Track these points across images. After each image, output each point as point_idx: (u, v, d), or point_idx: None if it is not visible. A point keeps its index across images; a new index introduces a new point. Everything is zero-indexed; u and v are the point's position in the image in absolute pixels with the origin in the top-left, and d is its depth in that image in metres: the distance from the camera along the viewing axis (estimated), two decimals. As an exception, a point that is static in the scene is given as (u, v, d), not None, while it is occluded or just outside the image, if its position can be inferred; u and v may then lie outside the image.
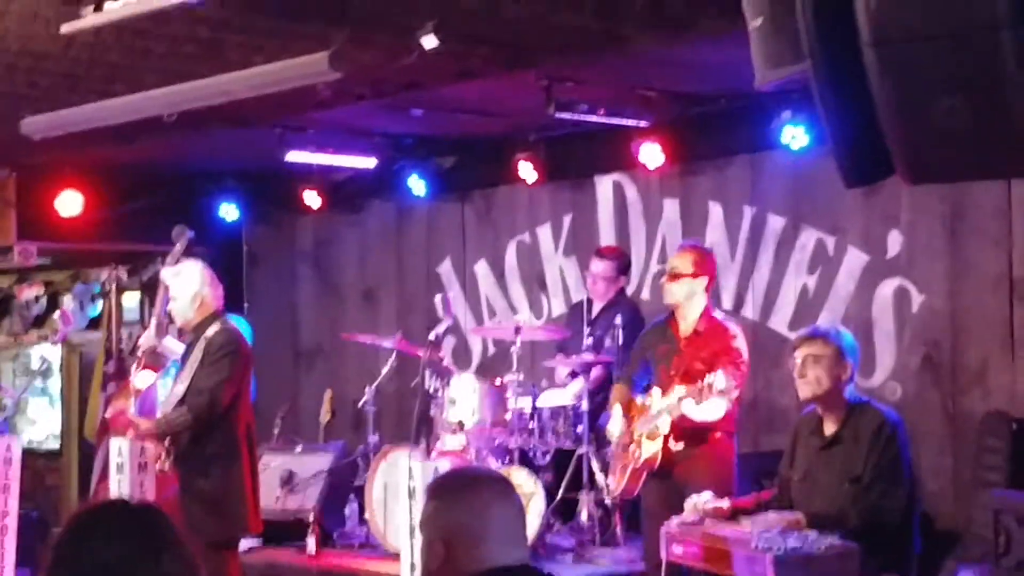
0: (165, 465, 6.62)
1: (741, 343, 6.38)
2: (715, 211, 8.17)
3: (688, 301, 6.44)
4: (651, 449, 6.38)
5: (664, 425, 6.34)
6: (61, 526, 3.00)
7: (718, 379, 6.00)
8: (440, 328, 7.89)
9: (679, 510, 5.99)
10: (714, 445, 6.34)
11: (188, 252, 7.33)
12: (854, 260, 7.53)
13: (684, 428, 6.29)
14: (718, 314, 6.57)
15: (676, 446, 6.33)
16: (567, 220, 9.02)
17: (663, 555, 5.63)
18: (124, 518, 2.96)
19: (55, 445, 12.43)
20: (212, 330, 6.73)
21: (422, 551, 3.06)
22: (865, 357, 7.33)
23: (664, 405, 6.32)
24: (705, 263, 6.52)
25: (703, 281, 6.45)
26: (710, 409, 6.20)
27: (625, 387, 6.66)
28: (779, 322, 7.76)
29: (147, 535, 2.92)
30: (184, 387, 6.66)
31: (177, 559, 2.92)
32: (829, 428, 5.52)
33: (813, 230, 7.72)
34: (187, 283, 6.81)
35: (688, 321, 6.46)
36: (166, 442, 6.61)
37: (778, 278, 7.86)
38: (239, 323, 9.03)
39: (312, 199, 10.09)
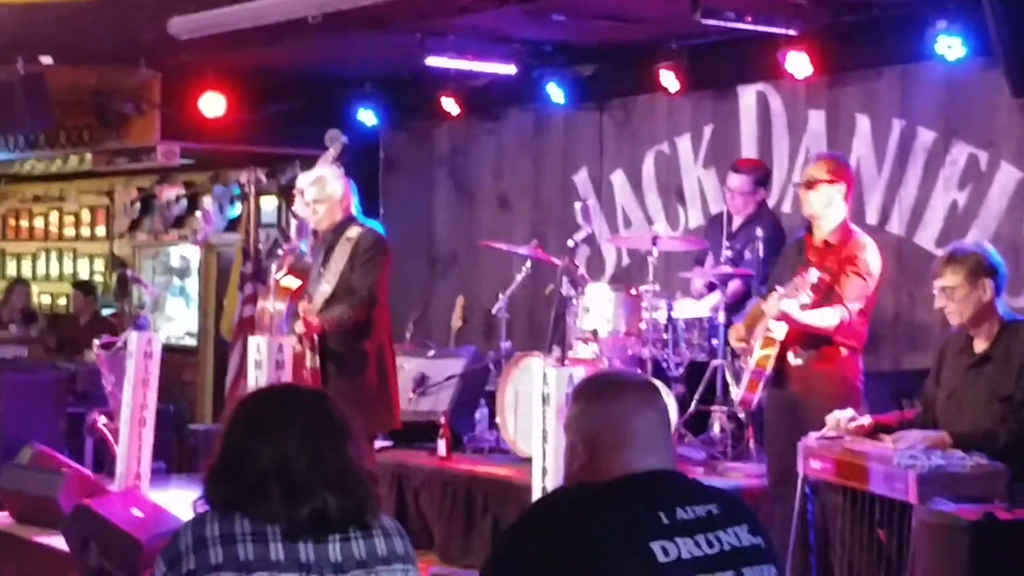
0: (316, 362, 6.73)
1: (871, 256, 6.15)
2: (863, 123, 7.96)
3: (826, 210, 6.21)
4: (761, 353, 6.19)
5: (778, 330, 6.13)
6: (223, 416, 3.01)
7: (811, 273, 5.94)
8: (579, 236, 7.84)
9: (798, 426, 5.94)
10: (835, 360, 6.15)
11: (340, 158, 7.40)
12: (1007, 176, 7.29)
13: (800, 337, 6.11)
14: (856, 228, 6.35)
15: (795, 360, 6.17)
16: (708, 131, 8.88)
17: (800, 469, 5.57)
18: (299, 405, 2.97)
19: (192, 342, 12.70)
20: (354, 231, 6.83)
21: (565, 453, 3.04)
22: (1015, 276, 7.11)
23: (767, 305, 6.20)
24: (841, 170, 6.29)
25: (841, 188, 6.20)
26: (819, 315, 6.03)
27: (763, 301, 6.54)
28: (926, 238, 7.57)
29: (324, 422, 2.93)
30: (331, 286, 6.76)
31: (354, 445, 2.94)
32: (979, 346, 5.37)
33: (965, 145, 7.48)
34: (335, 186, 6.92)
35: (822, 231, 6.24)
36: (315, 340, 6.72)
37: (926, 194, 7.65)
38: (376, 227, 9.12)
39: (450, 105, 10.07)
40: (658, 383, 7.12)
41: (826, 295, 6.10)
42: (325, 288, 6.80)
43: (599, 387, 3.05)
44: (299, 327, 6.79)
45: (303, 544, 2.85)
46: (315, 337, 6.73)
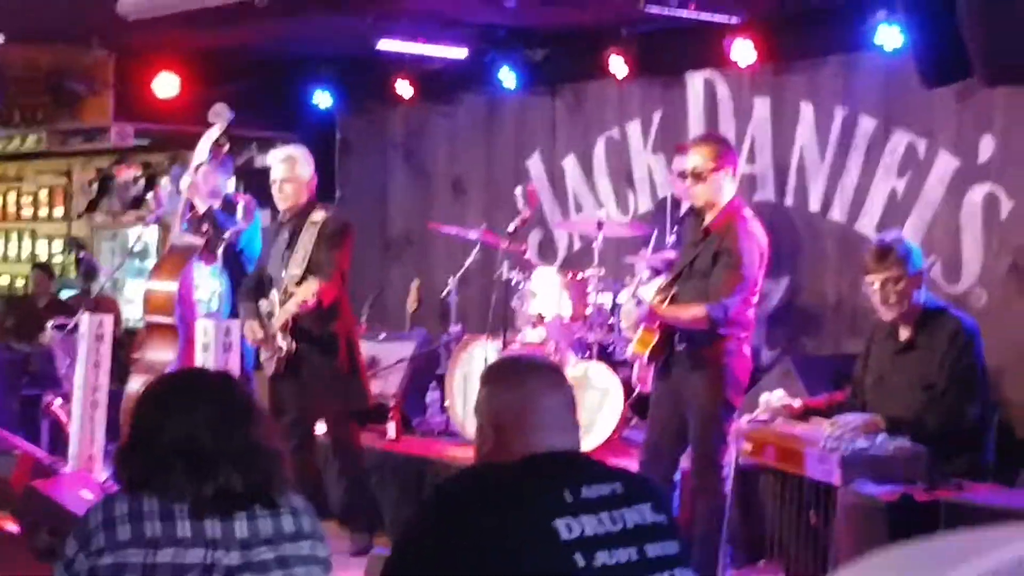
0: (291, 345, 6.80)
1: (747, 246, 5.94)
2: (806, 111, 8.05)
3: (716, 196, 6.03)
4: (636, 342, 6.19)
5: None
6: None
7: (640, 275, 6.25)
8: (520, 220, 7.90)
9: (673, 411, 6.07)
10: (712, 347, 5.97)
11: (227, 133, 7.44)
12: (944, 164, 7.39)
13: (672, 328, 6.06)
14: (747, 212, 6.13)
15: (679, 346, 6.07)
16: (657, 116, 8.95)
17: (731, 452, 5.66)
18: (204, 385, 3.06)
19: (151, 324, 12.64)
20: (319, 215, 6.89)
21: (475, 435, 3.11)
22: (951, 263, 7.26)
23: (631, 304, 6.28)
24: (724, 153, 6.10)
25: (728, 171, 6.04)
26: (685, 311, 5.98)
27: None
28: (867, 225, 7.67)
29: (229, 402, 3.01)
30: (300, 270, 6.81)
31: (260, 426, 3.02)
32: (904, 333, 5.48)
33: (904, 133, 7.57)
34: (304, 167, 6.97)
35: (708, 216, 6.09)
36: (287, 323, 6.81)
37: (867, 181, 7.74)
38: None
39: (404, 89, 10.10)
40: (603, 367, 7.32)
41: (701, 282, 6.01)
42: (295, 272, 6.85)
43: (504, 371, 3.13)
44: (288, 310, 6.77)
45: (209, 521, 2.92)
46: (288, 320, 6.83)
